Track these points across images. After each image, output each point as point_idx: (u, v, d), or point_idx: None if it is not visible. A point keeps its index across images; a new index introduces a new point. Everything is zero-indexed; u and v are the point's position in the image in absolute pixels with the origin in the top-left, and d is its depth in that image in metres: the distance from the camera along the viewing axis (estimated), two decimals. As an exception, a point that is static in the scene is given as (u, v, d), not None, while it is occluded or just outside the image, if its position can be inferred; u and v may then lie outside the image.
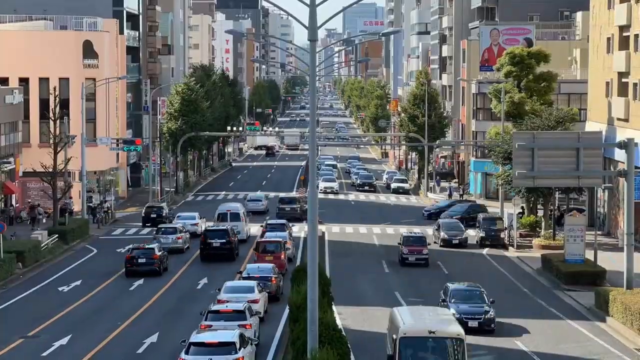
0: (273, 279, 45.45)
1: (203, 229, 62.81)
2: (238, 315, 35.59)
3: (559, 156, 47.85)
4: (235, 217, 65.95)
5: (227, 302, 38.22)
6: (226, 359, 29.61)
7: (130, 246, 55.48)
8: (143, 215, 74.90)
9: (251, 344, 32.20)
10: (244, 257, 58.88)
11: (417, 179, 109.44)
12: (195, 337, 31.04)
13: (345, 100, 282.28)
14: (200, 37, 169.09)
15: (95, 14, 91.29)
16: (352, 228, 73.82)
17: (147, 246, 54.38)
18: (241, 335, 31.26)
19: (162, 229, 62.41)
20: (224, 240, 57.53)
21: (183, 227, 64.02)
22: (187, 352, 30.28)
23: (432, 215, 79.29)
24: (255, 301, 39.03)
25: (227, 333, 31.51)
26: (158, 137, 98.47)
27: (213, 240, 57.63)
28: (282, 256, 52.49)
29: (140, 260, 53.09)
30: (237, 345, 30.40)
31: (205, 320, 35.49)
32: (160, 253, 54.10)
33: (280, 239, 54.66)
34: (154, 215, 73.78)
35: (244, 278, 45.14)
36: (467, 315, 39.93)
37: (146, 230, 71.56)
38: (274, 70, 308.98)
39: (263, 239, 56.08)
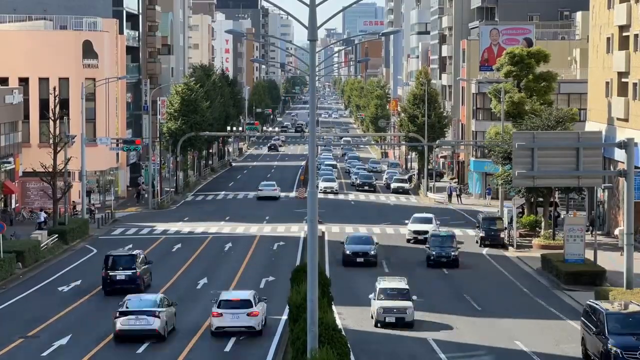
0: None
1: None
2: None
3: (559, 156, 47.80)
4: None
5: None
6: (246, 311, 39.22)
7: None
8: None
9: (263, 301, 41.26)
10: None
11: (417, 179, 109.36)
12: (223, 296, 40.32)
13: (345, 100, 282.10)
14: (200, 37, 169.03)
15: (95, 14, 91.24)
16: (352, 228, 73.67)
17: None
18: (254, 296, 40.44)
19: None
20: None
21: None
22: (218, 307, 39.28)
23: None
24: None
25: (245, 292, 41.09)
26: (158, 137, 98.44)
27: None
28: None
29: None
30: (253, 303, 39.52)
31: None
32: None
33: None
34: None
35: None
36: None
37: (146, 230, 71.55)
38: (274, 70, 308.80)
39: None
